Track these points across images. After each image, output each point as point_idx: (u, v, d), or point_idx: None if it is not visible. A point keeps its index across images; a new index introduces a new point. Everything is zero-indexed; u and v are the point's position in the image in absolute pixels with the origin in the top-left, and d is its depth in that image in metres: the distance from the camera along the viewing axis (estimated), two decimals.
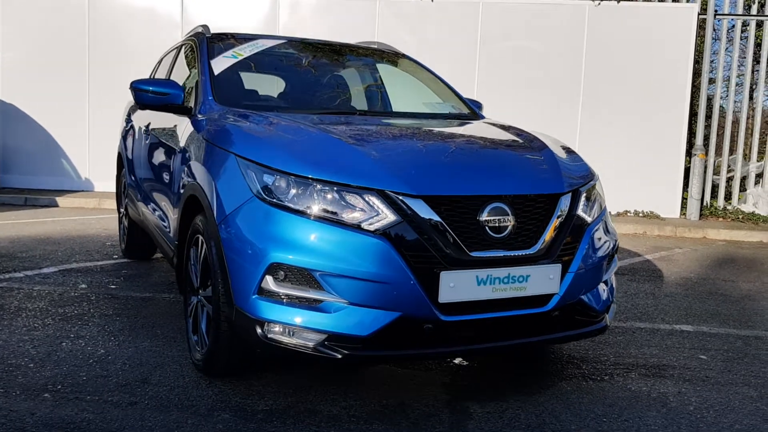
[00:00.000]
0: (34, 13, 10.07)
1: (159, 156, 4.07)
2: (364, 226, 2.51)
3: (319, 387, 2.93)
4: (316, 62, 4.29)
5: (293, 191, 2.59)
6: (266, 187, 2.63)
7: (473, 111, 4.16)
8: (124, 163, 5.43)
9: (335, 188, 2.56)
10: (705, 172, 9.57)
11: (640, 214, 9.30)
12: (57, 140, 10.23)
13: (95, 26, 10.02)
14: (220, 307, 2.73)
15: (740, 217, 9.31)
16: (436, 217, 2.55)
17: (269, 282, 2.54)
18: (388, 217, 2.52)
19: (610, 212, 8.91)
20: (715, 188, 10.13)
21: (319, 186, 2.57)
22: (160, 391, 2.86)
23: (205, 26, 4.30)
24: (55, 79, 10.05)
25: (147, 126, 4.51)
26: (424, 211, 2.54)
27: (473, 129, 3.68)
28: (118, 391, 2.86)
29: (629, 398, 3.01)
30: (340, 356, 2.50)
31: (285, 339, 2.55)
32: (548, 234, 2.75)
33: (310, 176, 2.59)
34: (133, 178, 5.01)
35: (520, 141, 3.32)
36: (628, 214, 9.35)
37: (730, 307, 4.79)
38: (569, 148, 3.44)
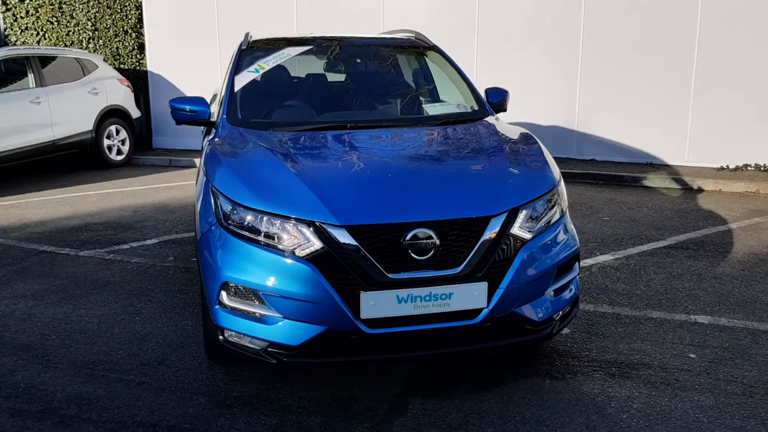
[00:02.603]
0: None
1: None
2: (297, 252, 2.91)
3: (293, 379, 3.43)
4: (338, 66, 4.62)
5: (245, 220, 3.04)
6: (225, 215, 3.11)
7: (482, 109, 4.30)
8: None
9: (276, 219, 2.97)
10: None
11: (762, 168, 8.61)
12: None
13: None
14: (205, 310, 3.30)
15: None
16: (356, 244, 2.88)
17: (224, 296, 3.05)
18: (315, 244, 2.90)
19: (727, 166, 8.50)
20: None
21: (265, 217, 3.00)
22: (166, 373, 3.52)
23: (246, 34, 4.77)
24: (192, 48, 11.14)
25: None
26: (347, 239, 2.88)
27: (451, 139, 3.87)
28: (136, 370, 3.56)
29: (570, 401, 3.20)
30: (275, 361, 2.99)
31: (238, 343, 3.06)
32: (473, 255, 2.97)
33: (257, 208, 3.02)
34: None
35: (486, 153, 3.49)
36: (748, 168, 8.70)
37: None
38: (538, 154, 3.56)
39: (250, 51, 4.56)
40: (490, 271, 3.00)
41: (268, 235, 2.97)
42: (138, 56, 11.88)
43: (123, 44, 11.83)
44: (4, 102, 8.77)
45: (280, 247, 2.94)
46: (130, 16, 11.64)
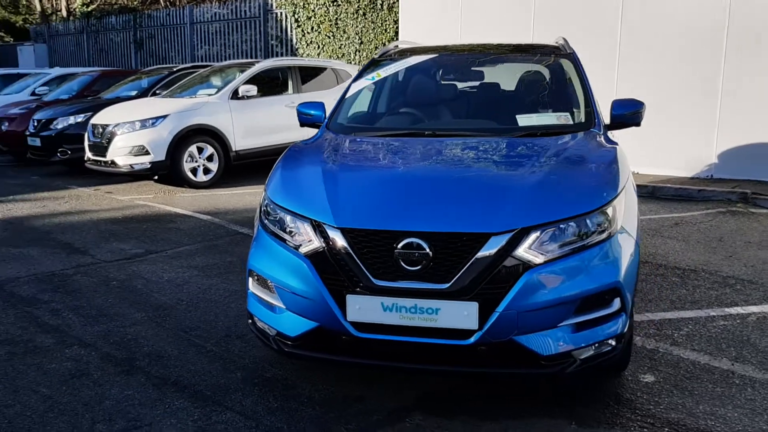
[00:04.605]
0: None
1: None
2: (301, 249, 3.08)
3: (324, 373, 3.57)
4: (453, 75, 4.59)
5: (273, 216, 3.29)
6: (264, 210, 3.40)
7: (589, 121, 3.94)
8: None
9: (293, 217, 3.17)
10: None
11: None
12: None
13: None
14: None
15: None
16: (348, 247, 2.94)
17: (250, 283, 3.34)
18: (315, 243, 3.03)
19: None
20: None
21: (287, 215, 3.21)
22: (234, 347, 3.92)
23: (395, 42, 5.00)
24: None
25: None
26: (341, 240, 2.96)
27: (510, 151, 3.64)
28: (215, 340, 4.03)
29: None
30: (276, 348, 3.18)
31: (261, 329, 3.32)
32: (464, 272, 2.83)
33: (282, 205, 3.25)
34: None
35: (531, 166, 3.25)
36: None
37: None
38: (601, 172, 3.20)
39: (380, 60, 4.77)
40: (484, 292, 2.82)
41: (286, 231, 3.18)
42: None
43: None
44: (267, 105, 10.17)
45: (290, 243, 3.13)
46: (388, 30, 12.60)
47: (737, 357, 3.75)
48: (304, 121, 4.55)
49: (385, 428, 3.04)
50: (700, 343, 3.94)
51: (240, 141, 9.79)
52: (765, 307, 4.52)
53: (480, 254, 2.82)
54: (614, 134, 4.32)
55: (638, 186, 8.48)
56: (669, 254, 5.81)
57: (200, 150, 9.45)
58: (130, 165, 9.17)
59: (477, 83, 4.61)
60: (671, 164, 9.25)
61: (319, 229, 3.03)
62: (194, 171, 9.45)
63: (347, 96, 4.49)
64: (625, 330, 3.04)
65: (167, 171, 9.28)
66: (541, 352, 2.87)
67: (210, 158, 9.56)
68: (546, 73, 4.56)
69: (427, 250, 2.85)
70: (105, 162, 9.38)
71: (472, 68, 4.66)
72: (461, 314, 2.83)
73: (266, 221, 3.32)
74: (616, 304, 2.97)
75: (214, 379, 3.53)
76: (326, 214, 3.05)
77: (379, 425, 3.06)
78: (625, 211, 3.16)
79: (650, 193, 8.52)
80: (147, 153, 9.08)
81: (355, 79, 4.59)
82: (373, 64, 4.76)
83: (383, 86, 4.75)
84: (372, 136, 4.05)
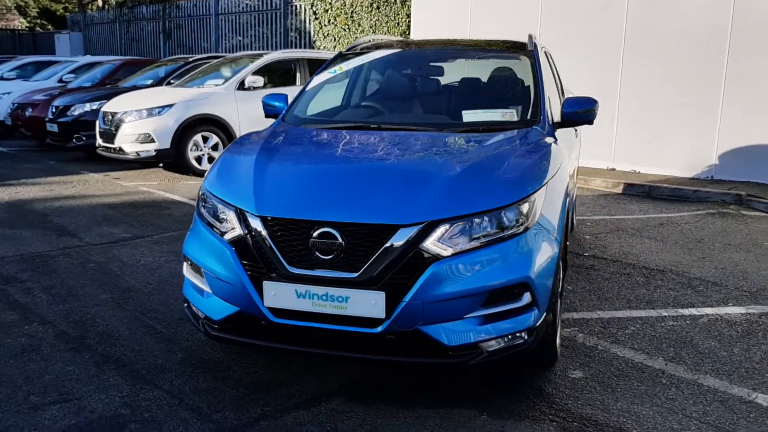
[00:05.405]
0: None
1: None
2: (225, 236, 3.20)
3: (267, 359, 3.69)
4: (412, 71, 4.65)
5: (206, 204, 3.41)
6: (202, 197, 3.52)
7: (534, 118, 3.97)
8: None
9: (221, 204, 3.29)
10: None
11: None
12: None
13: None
14: None
15: None
16: (266, 235, 3.05)
17: (185, 268, 3.48)
18: (237, 230, 3.15)
19: None
20: None
21: (217, 202, 3.33)
22: (183, 331, 4.06)
23: (368, 36, 5.08)
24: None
25: None
26: (261, 228, 3.07)
27: (442, 146, 3.69)
28: (168, 322, 4.17)
29: None
30: (203, 331, 3.31)
31: (194, 313, 3.44)
32: (373, 262, 2.91)
33: (212, 192, 3.37)
34: None
35: (453, 162, 3.30)
36: None
37: None
38: (526, 168, 3.24)
39: (346, 54, 4.85)
40: (392, 282, 2.90)
41: (217, 218, 3.30)
42: None
43: None
44: None
45: (218, 229, 3.25)
46: (400, 23, 12.65)
47: (673, 357, 3.76)
48: (269, 112, 4.66)
49: (299, 411, 3.14)
50: (641, 342, 3.96)
51: (245, 131, 9.96)
52: (719, 310, 4.49)
53: (388, 245, 2.90)
54: (570, 130, 4.34)
55: (635, 185, 8.48)
56: (642, 254, 5.78)
57: (205, 139, 9.66)
58: (136, 152, 9.43)
59: (436, 79, 4.66)
60: (672, 164, 9.15)
61: (242, 216, 3.14)
62: (199, 159, 9.66)
63: (307, 89, 4.58)
64: (538, 324, 3.08)
65: (172, 159, 9.51)
66: (447, 342, 2.93)
67: (215, 147, 9.76)
68: (503, 69, 4.58)
69: (340, 239, 2.94)
70: (113, 149, 9.66)
71: (432, 64, 4.71)
72: (369, 303, 2.92)
73: (201, 209, 3.44)
74: (526, 298, 3.02)
75: (154, 359, 3.67)
76: (250, 202, 3.15)
77: (295, 408, 3.17)
78: (547, 208, 3.20)
79: (646, 192, 8.44)
80: (152, 141, 9.32)
81: (318, 72, 4.68)
82: (340, 58, 4.85)
83: (356, 80, 4.83)
84: (321, 128, 4.14)
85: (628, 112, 9.54)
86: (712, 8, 8.69)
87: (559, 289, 3.61)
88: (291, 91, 10.26)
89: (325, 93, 4.66)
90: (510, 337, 3.03)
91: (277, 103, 4.58)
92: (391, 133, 3.88)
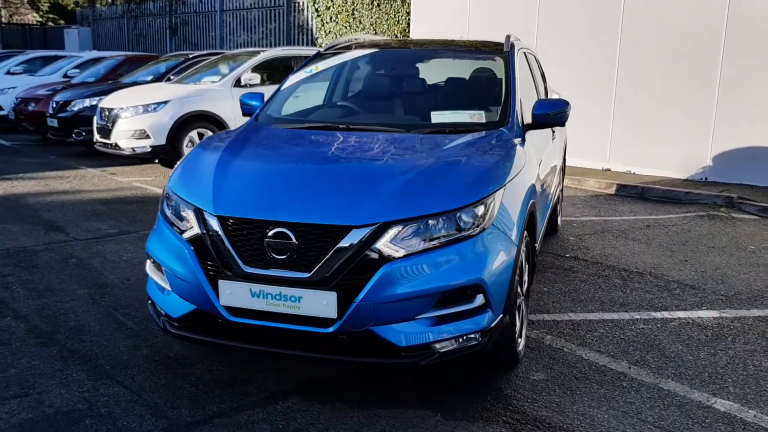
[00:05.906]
0: None
1: None
2: (184, 234, 3.22)
3: (231, 358, 3.71)
4: (387, 71, 4.65)
5: (169, 202, 3.44)
6: (166, 195, 3.55)
7: (502, 120, 3.96)
8: None
9: (182, 203, 3.31)
10: None
11: None
12: None
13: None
14: None
15: None
16: (222, 234, 3.07)
17: (148, 266, 3.51)
18: (195, 228, 3.17)
19: None
20: None
21: (177, 199, 3.36)
22: (154, 327, 4.09)
23: (350, 35, 5.09)
24: None
25: None
26: (217, 227, 3.09)
27: (402, 148, 3.70)
28: (140, 319, 4.21)
29: None
30: (163, 328, 3.33)
31: (156, 311, 3.47)
32: (325, 262, 2.92)
33: (174, 191, 3.40)
34: None
35: (410, 164, 3.31)
36: None
37: None
38: (484, 169, 3.24)
39: (324, 54, 4.86)
40: (344, 283, 2.91)
41: (178, 217, 3.33)
42: None
43: None
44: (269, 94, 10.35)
45: (178, 228, 3.27)
46: (400, 21, 12.64)
47: (638, 361, 3.75)
48: (246, 111, 4.68)
49: (254, 409, 3.17)
50: (608, 345, 3.95)
51: None
52: (692, 313, 4.47)
53: (340, 245, 2.92)
54: (546, 132, 4.33)
55: (628, 186, 8.44)
56: (624, 256, 5.76)
57: (201, 136, 9.70)
58: (132, 148, 9.49)
59: (409, 79, 4.66)
60: (666, 166, 9.10)
61: (200, 215, 3.17)
62: None
63: (283, 88, 4.60)
64: (492, 326, 3.08)
65: (167, 155, 9.56)
66: (399, 343, 2.94)
67: None
68: (480, 70, 4.58)
69: (294, 239, 2.96)
70: (110, 144, 9.72)
71: (408, 65, 4.72)
72: (321, 303, 2.94)
73: (165, 207, 3.47)
74: (479, 299, 3.02)
75: (119, 355, 3.71)
76: (208, 201, 3.18)
77: (250, 406, 3.19)
78: (506, 210, 3.20)
79: (639, 194, 8.40)
80: (147, 137, 9.38)
81: (295, 72, 4.70)
82: (318, 57, 4.86)
83: (337, 80, 4.84)
84: (289, 128, 4.16)
85: (624, 113, 9.50)
86: (707, 12, 8.64)
87: (523, 291, 3.61)
88: None
89: (308, 92, 4.68)
90: (463, 338, 3.04)
91: (253, 102, 4.60)
92: (357, 133, 3.89)
